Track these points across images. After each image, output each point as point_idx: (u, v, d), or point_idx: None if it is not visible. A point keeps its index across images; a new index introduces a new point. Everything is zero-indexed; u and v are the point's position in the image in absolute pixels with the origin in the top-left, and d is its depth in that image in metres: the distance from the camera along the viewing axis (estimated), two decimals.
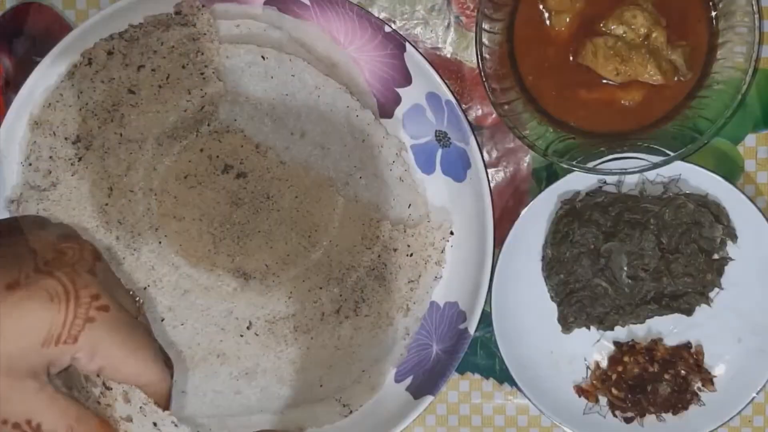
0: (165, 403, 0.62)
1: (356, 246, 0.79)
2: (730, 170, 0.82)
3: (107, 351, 0.58)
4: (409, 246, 0.80)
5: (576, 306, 0.79)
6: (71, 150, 0.78)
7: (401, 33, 0.79)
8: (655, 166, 0.74)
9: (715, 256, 0.79)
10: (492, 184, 0.81)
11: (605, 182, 0.80)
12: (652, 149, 0.75)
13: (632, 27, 0.74)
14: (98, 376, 0.60)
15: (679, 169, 0.79)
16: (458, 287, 0.81)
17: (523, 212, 0.79)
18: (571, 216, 0.78)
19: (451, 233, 0.81)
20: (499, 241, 0.79)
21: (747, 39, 0.73)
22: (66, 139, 0.78)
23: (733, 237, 0.79)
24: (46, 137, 0.78)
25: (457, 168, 0.80)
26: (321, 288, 0.79)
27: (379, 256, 0.80)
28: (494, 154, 0.82)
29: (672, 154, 0.74)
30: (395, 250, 0.80)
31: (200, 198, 0.79)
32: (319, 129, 0.79)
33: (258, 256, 0.79)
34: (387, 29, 0.78)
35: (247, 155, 0.78)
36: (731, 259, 0.79)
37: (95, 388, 0.61)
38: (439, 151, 0.80)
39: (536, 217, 0.80)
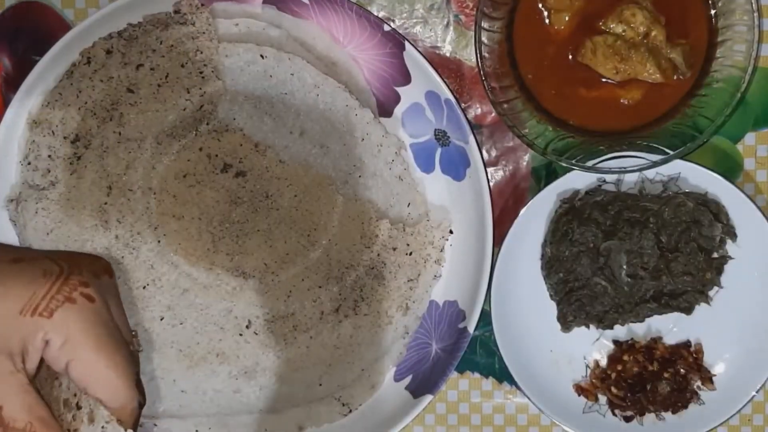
0: (131, 423, 0.61)
1: (355, 245, 0.79)
2: (730, 169, 0.82)
3: (79, 341, 0.59)
4: (408, 245, 0.80)
5: (575, 305, 0.79)
6: (70, 149, 0.78)
7: (400, 32, 0.79)
8: (655, 164, 0.74)
9: (715, 255, 0.79)
10: (491, 183, 0.81)
11: (605, 181, 0.80)
12: (651, 148, 0.75)
13: (631, 25, 0.74)
14: (73, 393, 0.60)
15: (678, 167, 0.79)
16: (458, 286, 0.81)
17: (522, 211, 0.79)
18: (570, 215, 0.78)
19: (451, 232, 0.81)
20: (498, 240, 0.79)
21: (746, 37, 0.73)
22: (65, 138, 0.78)
23: (733, 236, 0.79)
24: (45, 136, 0.78)
25: (457, 167, 0.80)
26: (320, 287, 0.79)
27: (378, 254, 0.80)
28: (493, 152, 0.82)
29: (671, 152, 0.74)
30: (394, 248, 0.80)
31: (199, 197, 0.79)
32: (318, 128, 0.79)
33: (257, 255, 0.79)
34: (386, 28, 0.78)
35: (246, 154, 0.78)
36: (731, 258, 0.79)
37: (69, 412, 0.61)
38: (439, 150, 0.80)
39: (535, 216, 0.80)
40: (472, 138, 0.78)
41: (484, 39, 0.75)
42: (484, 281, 0.79)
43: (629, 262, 0.77)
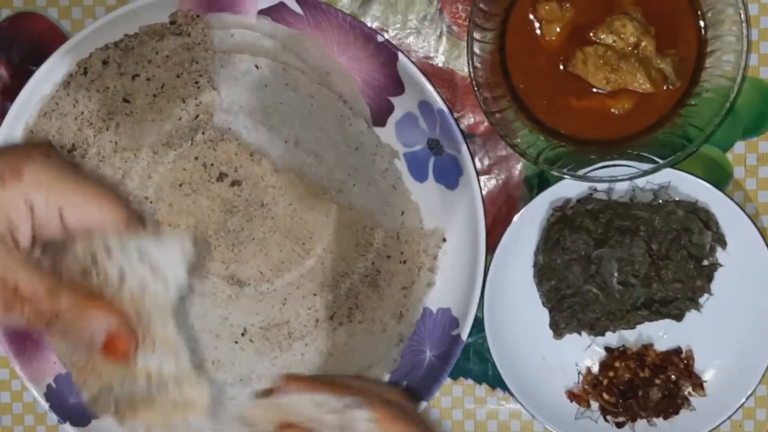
0: (131, 225, 0.58)
1: (350, 253, 0.80)
2: (720, 177, 0.82)
3: (59, 187, 0.56)
4: (402, 253, 0.80)
5: (567, 312, 0.79)
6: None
7: (394, 42, 0.80)
8: (645, 173, 0.75)
9: (705, 263, 0.79)
10: (484, 192, 0.82)
11: (596, 189, 0.80)
12: (641, 157, 0.75)
13: (622, 36, 0.74)
14: (84, 255, 0.58)
15: (668, 176, 0.79)
16: (451, 294, 0.82)
17: (514, 219, 0.80)
18: (562, 223, 0.79)
19: (444, 240, 0.81)
20: (491, 248, 0.80)
21: (735, 47, 0.74)
22: (62, 147, 0.78)
23: (723, 243, 0.79)
24: None
25: (450, 176, 0.80)
26: (315, 295, 0.80)
27: (372, 263, 0.80)
28: (486, 161, 0.83)
29: (661, 161, 0.74)
30: (388, 257, 0.80)
31: (195, 206, 0.79)
32: (312, 137, 0.79)
33: (252, 264, 0.79)
34: (379, 39, 0.78)
35: (242, 163, 0.79)
36: (721, 266, 0.80)
37: (91, 274, 0.58)
38: (432, 159, 0.81)
39: (528, 224, 0.81)
40: (464, 147, 0.79)
41: (476, 49, 0.75)
42: (477, 289, 0.80)
43: (620, 269, 0.78)
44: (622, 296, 0.78)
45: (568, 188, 0.80)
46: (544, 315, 0.81)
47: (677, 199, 0.80)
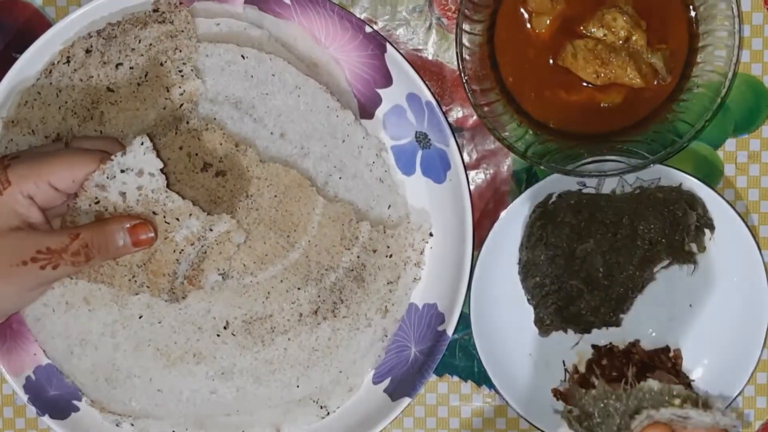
0: (103, 158, 0.71)
1: (335, 246, 0.79)
2: (710, 174, 0.82)
3: (35, 169, 0.69)
4: (388, 247, 0.80)
5: (552, 308, 0.79)
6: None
7: (382, 34, 0.79)
8: (635, 168, 0.74)
9: (688, 248, 0.79)
10: (472, 186, 0.81)
11: (585, 185, 0.80)
12: (631, 152, 0.75)
13: (612, 29, 0.74)
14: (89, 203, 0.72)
15: (658, 172, 0.79)
16: (437, 289, 0.81)
17: (502, 214, 0.79)
18: (544, 219, 0.78)
19: (431, 235, 0.81)
20: (478, 243, 0.79)
21: (727, 43, 0.73)
22: (46, 137, 0.78)
23: (711, 227, 0.78)
24: (25, 135, 0.78)
25: (437, 169, 0.80)
26: (299, 288, 0.79)
27: (358, 256, 0.79)
28: (474, 155, 0.82)
29: (651, 156, 0.74)
30: (374, 251, 0.80)
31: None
32: (299, 129, 0.79)
33: (236, 255, 0.78)
34: (368, 30, 0.78)
35: (227, 154, 0.78)
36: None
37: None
38: (420, 153, 0.80)
39: (515, 220, 0.80)
40: (452, 141, 0.78)
41: (465, 41, 0.75)
42: (464, 284, 0.79)
43: (606, 263, 0.77)
44: (606, 291, 0.77)
45: (556, 183, 0.79)
46: (530, 312, 0.81)
47: (659, 185, 0.79)
